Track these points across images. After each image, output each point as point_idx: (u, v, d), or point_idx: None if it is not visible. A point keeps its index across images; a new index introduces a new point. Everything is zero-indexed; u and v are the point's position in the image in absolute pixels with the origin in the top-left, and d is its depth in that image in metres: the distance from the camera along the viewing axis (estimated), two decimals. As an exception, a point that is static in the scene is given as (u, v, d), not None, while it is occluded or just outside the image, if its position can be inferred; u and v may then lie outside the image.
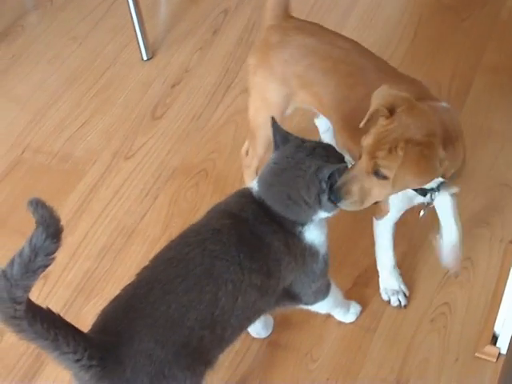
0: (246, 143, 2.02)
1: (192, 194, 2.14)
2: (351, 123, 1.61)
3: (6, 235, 2.07)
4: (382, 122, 1.46)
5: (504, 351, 1.73)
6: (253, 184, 1.57)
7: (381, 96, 1.48)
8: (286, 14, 1.80)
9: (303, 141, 1.55)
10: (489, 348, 1.75)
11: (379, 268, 1.86)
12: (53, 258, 1.22)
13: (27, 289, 1.23)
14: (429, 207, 1.67)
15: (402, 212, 1.73)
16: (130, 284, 1.46)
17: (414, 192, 1.61)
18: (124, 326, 1.39)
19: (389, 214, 1.71)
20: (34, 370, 1.80)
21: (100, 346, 1.35)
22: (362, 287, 1.89)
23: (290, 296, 1.61)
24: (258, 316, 1.58)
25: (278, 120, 1.56)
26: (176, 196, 2.14)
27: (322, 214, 1.54)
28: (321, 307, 1.70)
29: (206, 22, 2.66)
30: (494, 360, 1.74)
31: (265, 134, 1.80)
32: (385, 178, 1.45)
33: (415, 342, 1.79)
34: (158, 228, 2.06)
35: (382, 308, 1.86)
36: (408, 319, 1.84)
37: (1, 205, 2.17)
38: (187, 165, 2.22)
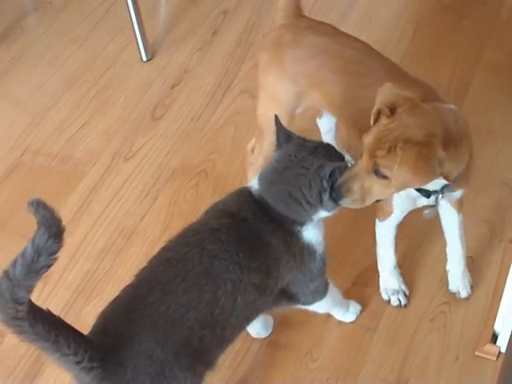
0: (253, 141, 2.02)
1: (192, 194, 2.14)
2: (361, 123, 1.61)
3: (6, 237, 2.07)
4: (383, 120, 1.46)
5: (504, 350, 1.73)
6: (252, 183, 1.58)
7: (383, 94, 1.48)
8: (298, 13, 1.80)
9: (305, 140, 1.55)
10: (489, 347, 1.75)
11: (380, 268, 1.86)
12: (55, 258, 1.23)
13: (29, 289, 1.23)
14: (434, 208, 1.67)
15: (405, 213, 1.73)
16: (129, 285, 1.47)
17: (417, 193, 1.61)
18: (124, 327, 1.39)
19: (392, 214, 1.71)
20: (34, 371, 1.80)
21: (100, 347, 1.35)
22: (362, 286, 1.89)
23: (288, 296, 1.61)
24: (257, 315, 1.58)
25: (287, 119, 1.56)
26: (176, 197, 2.14)
27: (322, 214, 1.54)
28: (319, 307, 1.70)
29: (206, 22, 2.66)
30: (494, 359, 1.74)
31: (273, 131, 1.80)
32: (385, 177, 1.45)
33: (415, 341, 1.79)
34: (157, 229, 2.06)
35: (382, 307, 1.86)
36: (408, 318, 1.84)
37: (1, 207, 2.17)
38: (187, 165, 2.22)
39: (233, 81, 2.45)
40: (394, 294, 1.85)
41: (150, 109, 2.40)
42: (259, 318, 1.73)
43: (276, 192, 1.53)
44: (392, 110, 1.45)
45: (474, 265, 1.91)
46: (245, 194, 1.56)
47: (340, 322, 1.83)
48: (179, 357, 1.40)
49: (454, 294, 1.86)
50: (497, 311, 1.74)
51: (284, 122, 1.75)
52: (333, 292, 1.70)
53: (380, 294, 1.87)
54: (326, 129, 2.11)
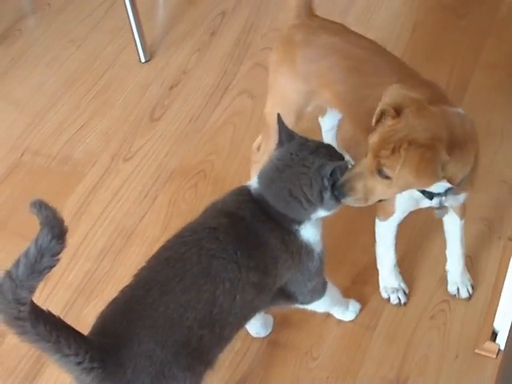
0: (258, 139, 2.02)
1: (191, 195, 2.15)
2: (369, 123, 1.60)
3: (6, 237, 2.08)
4: (388, 121, 1.46)
5: (503, 347, 1.74)
6: (251, 181, 1.58)
7: (389, 95, 1.48)
8: (309, 13, 1.80)
9: (307, 140, 1.55)
10: (488, 344, 1.75)
11: (379, 267, 1.86)
12: (58, 259, 1.23)
13: (32, 290, 1.23)
14: (445, 208, 1.66)
15: (407, 213, 1.73)
16: (127, 286, 1.46)
17: (420, 194, 1.61)
18: (123, 327, 1.39)
19: (394, 215, 1.71)
20: (34, 372, 1.81)
21: (101, 348, 1.35)
22: (362, 285, 1.90)
23: (286, 295, 1.61)
24: (254, 314, 1.58)
25: (294, 118, 1.56)
26: (175, 197, 2.14)
27: (321, 213, 1.54)
28: (318, 306, 1.70)
29: (204, 23, 2.66)
30: (494, 356, 1.74)
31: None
32: (387, 177, 1.45)
33: (415, 339, 1.80)
34: (157, 229, 2.06)
35: (382, 306, 1.86)
36: (407, 316, 1.84)
37: (0, 207, 2.17)
38: (185, 166, 2.22)
39: (231, 82, 2.45)
40: (393, 292, 1.86)
41: (149, 110, 2.40)
42: (259, 317, 1.73)
43: (276, 190, 1.53)
44: (398, 111, 1.45)
45: (472, 263, 1.91)
46: (243, 192, 1.56)
47: (339, 321, 1.83)
48: (179, 356, 1.40)
49: (454, 295, 1.86)
50: (496, 309, 1.74)
51: (291, 121, 1.76)
52: (331, 291, 1.70)
53: (379, 293, 1.87)
54: (328, 127, 2.11)
